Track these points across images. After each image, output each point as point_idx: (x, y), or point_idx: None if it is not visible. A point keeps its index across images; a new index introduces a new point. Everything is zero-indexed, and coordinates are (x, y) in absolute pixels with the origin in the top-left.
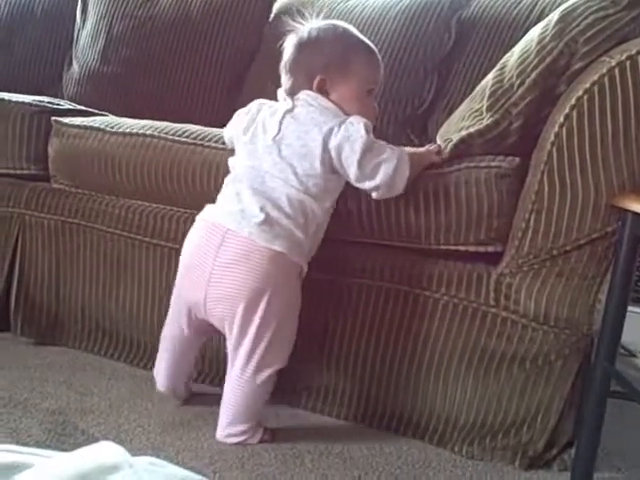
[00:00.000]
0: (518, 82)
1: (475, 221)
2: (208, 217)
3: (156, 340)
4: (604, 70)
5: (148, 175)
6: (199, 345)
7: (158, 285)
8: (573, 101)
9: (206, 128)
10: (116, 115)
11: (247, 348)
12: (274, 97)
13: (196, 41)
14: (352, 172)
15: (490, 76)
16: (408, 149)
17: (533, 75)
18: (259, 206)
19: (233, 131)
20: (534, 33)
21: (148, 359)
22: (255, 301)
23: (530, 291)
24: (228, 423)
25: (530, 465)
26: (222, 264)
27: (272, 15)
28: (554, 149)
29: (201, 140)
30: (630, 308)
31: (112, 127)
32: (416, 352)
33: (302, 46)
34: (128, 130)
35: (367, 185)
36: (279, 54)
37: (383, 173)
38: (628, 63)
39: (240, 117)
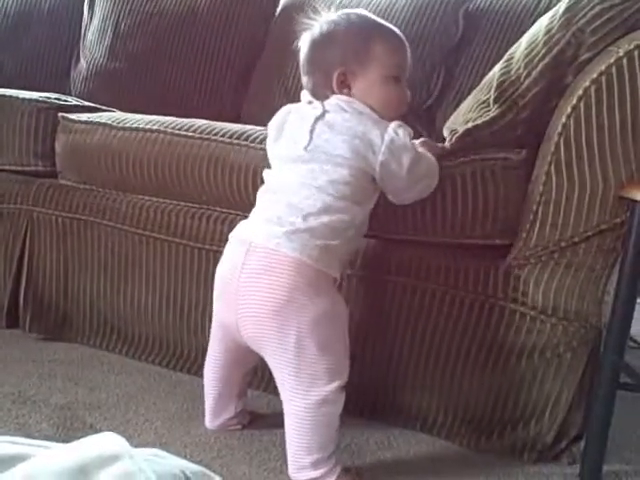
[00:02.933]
0: (525, 73)
1: (482, 214)
2: (237, 234)
3: (164, 335)
4: (612, 60)
5: (155, 170)
6: (241, 379)
7: (166, 281)
8: (580, 92)
9: (212, 122)
10: (123, 111)
11: (291, 368)
12: (280, 91)
13: (202, 36)
14: (399, 187)
15: (497, 67)
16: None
17: (540, 66)
18: (288, 215)
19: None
20: (541, 24)
21: (156, 354)
22: (285, 315)
23: (538, 283)
24: (293, 457)
25: (539, 458)
26: (246, 279)
27: (279, 9)
28: (561, 140)
29: (207, 134)
30: (639, 300)
31: (118, 122)
32: (424, 345)
33: (315, 43)
34: (134, 125)
35: (404, 199)
36: (286, 49)
37: (422, 191)
38: (636, 53)
39: (269, 129)
